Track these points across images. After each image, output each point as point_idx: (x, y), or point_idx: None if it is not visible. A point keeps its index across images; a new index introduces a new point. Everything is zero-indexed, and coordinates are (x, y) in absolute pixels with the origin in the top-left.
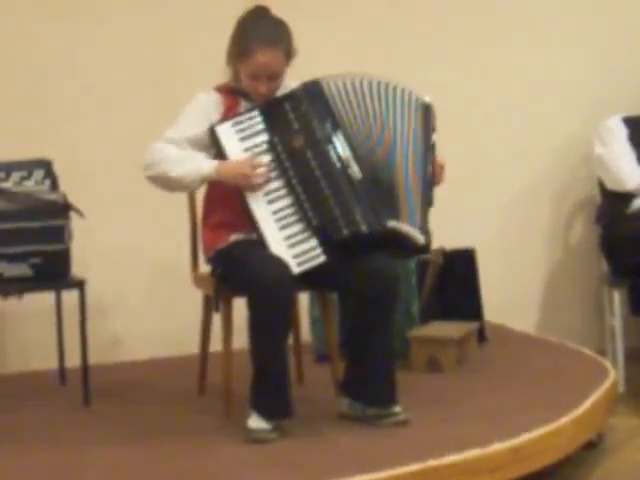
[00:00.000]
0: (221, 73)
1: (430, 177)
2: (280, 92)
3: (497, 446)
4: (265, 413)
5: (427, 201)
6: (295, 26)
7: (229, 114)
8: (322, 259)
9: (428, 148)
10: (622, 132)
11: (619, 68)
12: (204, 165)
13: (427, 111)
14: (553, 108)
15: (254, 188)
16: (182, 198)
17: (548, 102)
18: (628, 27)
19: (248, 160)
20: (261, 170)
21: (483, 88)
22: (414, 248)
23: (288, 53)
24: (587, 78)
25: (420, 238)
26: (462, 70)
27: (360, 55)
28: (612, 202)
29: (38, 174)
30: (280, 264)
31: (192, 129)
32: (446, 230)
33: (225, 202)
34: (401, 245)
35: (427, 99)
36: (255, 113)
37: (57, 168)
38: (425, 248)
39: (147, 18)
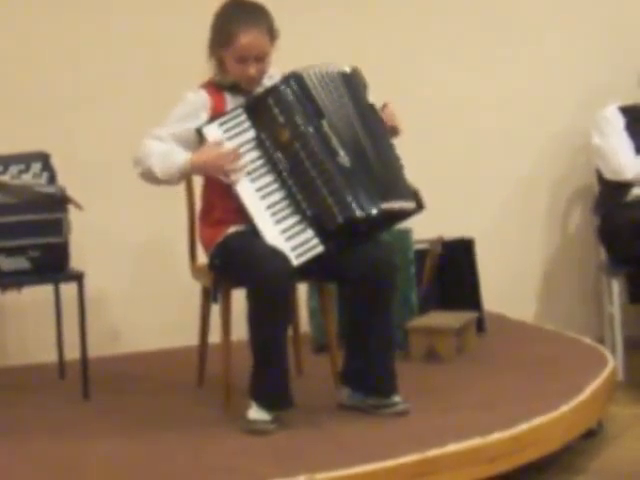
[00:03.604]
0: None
1: (389, 137)
2: (265, 81)
3: (497, 435)
4: (265, 404)
5: (398, 163)
6: (293, 22)
7: (217, 111)
8: (320, 249)
9: (367, 113)
10: (619, 121)
11: (615, 57)
12: (179, 159)
13: (349, 78)
14: (550, 98)
15: (232, 178)
16: (180, 190)
17: (545, 92)
18: (624, 16)
19: (222, 150)
20: (232, 157)
21: (480, 79)
22: (410, 212)
23: (271, 33)
24: (583, 68)
25: (414, 208)
26: (459, 61)
27: (359, 52)
28: (610, 191)
29: (36, 167)
30: (279, 256)
31: (179, 127)
32: (445, 220)
33: (223, 199)
34: (397, 215)
35: (346, 68)
36: (240, 111)
37: (55, 161)
38: (419, 208)
39: (144, 10)
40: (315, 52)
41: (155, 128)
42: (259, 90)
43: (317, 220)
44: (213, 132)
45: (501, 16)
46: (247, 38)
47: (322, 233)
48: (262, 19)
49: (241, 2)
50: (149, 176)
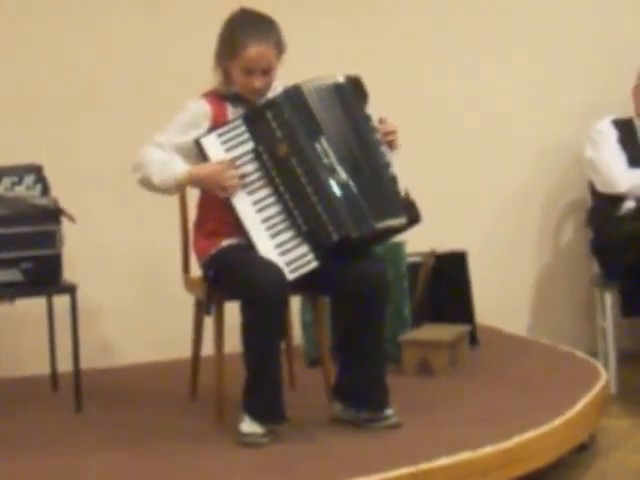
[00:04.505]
0: (210, 78)
1: (384, 150)
2: (269, 93)
3: (489, 449)
4: (258, 417)
5: (392, 177)
6: (292, 34)
7: (217, 122)
8: (315, 265)
9: (362, 127)
10: (612, 135)
11: (609, 70)
12: (178, 171)
13: (343, 89)
14: (544, 111)
15: (229, 194)
16: (173, 202)
17: (539, 105)
18: (617, 30)
19: (223, 167)
20: (234, 173)
21: (474, 94)
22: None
23: (279, 47)
24: (577, 81)
25: (409, 224)
26: (455, 76)
27: (357, 64)
28: (603, 204)
29: (29, 179)
30: (274, 268)
31: (180, 137)
32: (437, 233)
33: (218, 211)
34: (392, 231)
35: (340, 78)
36: (239, 123)
37: (48, 173)
38: (416, 221)
39: (139, 21)
40: (313, 64)
41: (157, 134)
42: (261, 101)
43: (312, 236)
44: (211, 143)
45: (496, 31)
46: (255, 50)
47: (317, 249)
48: (271, 32)
49: (251, 13)
50: (147, 183)
